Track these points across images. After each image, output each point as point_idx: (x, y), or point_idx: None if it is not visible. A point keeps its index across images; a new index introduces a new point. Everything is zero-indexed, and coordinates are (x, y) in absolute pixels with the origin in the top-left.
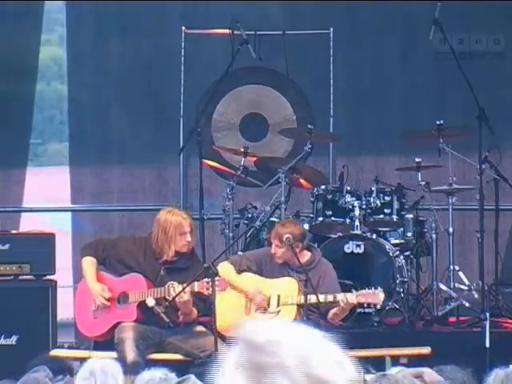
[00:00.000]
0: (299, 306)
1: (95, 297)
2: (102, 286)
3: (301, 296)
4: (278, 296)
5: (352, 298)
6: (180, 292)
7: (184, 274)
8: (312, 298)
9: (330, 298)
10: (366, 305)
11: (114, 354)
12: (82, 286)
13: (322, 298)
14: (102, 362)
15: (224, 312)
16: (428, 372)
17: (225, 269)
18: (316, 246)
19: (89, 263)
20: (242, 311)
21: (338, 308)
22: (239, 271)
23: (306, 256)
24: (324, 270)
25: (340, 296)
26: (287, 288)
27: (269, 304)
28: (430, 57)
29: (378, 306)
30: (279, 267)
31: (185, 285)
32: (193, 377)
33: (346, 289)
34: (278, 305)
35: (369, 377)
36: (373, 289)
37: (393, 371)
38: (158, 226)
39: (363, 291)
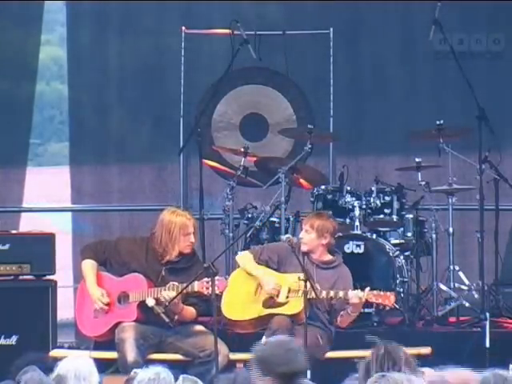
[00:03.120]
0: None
1: (94, 302)
2: (102, 290)
3: (310, 291)
4: (289, 288)
5: (363, 294)
6: (179, 293)
7: (185, 274)
8: (323, 294)
9: (341, 294)
10: (375, 305)
11: (114, 354)
12: (83, 286)
13: (332, 293)
14: (75, 364)
15: (232, 296)
16: (428, 372)
17: (244, 257)
18: None
19: (89, 267)
20: (250, 296)
21: (346, 311)
22: (259, 263)
23: (328, 256)
24: (343, 272)
25: (351, 293)
26: (298, 282)
27: (278, 295)
28: (429, 57)
29: (388, 308)
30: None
31: (184, 285)
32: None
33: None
34: (287, 297)
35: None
36: (384, 291)
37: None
38: (161, 226)
39: (375, 291)
